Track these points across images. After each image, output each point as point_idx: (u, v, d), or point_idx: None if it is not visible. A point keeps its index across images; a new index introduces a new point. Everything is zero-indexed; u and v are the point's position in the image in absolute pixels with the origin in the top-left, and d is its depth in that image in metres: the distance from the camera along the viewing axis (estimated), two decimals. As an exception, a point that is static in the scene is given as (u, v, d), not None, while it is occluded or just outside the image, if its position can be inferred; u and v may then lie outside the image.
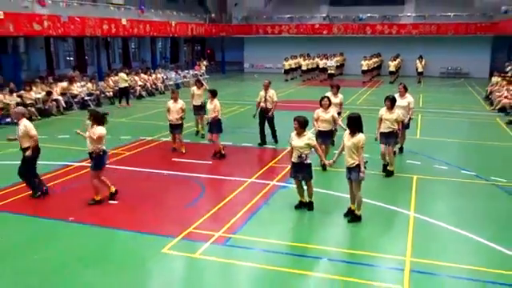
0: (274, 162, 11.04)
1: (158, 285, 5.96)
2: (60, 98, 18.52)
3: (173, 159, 11.34)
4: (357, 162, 7.39)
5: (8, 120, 15.94)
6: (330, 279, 5.93)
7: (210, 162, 11.00)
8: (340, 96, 12.01)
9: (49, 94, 18.02)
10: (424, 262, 6.23)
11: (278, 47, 35.05)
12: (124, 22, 24.28)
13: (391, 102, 9.78)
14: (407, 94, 11.20)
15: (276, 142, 12.74)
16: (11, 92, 16.64)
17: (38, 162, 8.82)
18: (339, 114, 11.54)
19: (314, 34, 35.01)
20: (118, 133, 14.00)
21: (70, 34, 21.28)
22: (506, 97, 18.39)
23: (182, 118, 11.71)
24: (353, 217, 7.60)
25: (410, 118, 11.43)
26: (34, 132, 8.50)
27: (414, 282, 5.77)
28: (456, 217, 7.83)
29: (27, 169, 8.57)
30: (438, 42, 32.46)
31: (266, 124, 12.66)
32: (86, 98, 19.67)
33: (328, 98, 10.23)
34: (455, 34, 32.07)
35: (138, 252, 6.66)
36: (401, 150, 11.66)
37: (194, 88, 13.90)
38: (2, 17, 16.73)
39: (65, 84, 19.67)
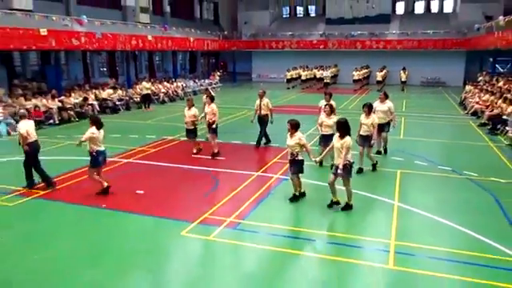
0: (277, 158, 11.02)
1: (178, 262, 5.97)
2: (95, 102, 18.62)
3: (191, 155, 11.35)
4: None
5: (51, 121, 16.05)
6: (324, 259, 5.92)
7: (223, 158, 10.98)
8: (332, 102, 11.39)
9: (85, 99, 18.12)
10: (406, 245, 6.21)
11: (281, 60, 34.99)
12: (150, 38, 24.33)
13: (368, 109, 9.56)
14: (387, 101, 10.87)
15: (258, 145, 12.21)
16: (53, 97, 16.72)
17: (78, 158, 8.83)
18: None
19: (312, 48, 34.86)
20: (144, 133, 14.07)
21: (103, 48, 21.36)
22: (477, 102, 18.25)
23: (194, 124, 11.21)
24: (346, 206, 7.57)
25: (390, 121, 11.00)
26: (21, 131, 8.25)
27: (398, 261, 5.75)
28: (434, 206, 7.77)
29: (27, 161, 8.45)
30: (419, 56, 32.23)
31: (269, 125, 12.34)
32: (117, 102, 19.74)
33: (331, 105, 9.72)
34: (434, 48, 31.85)
35: (161, 234, 6.68)
36: (385, 151, 11.32)
37: (204, 97, 13.35)
38: (46, 33, 16.84)
39: (110, 91, 20.13)
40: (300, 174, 7.86)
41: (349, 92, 27.83)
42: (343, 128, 7.42)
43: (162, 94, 22.90)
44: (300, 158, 7.67)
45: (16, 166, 10.60)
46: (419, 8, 37.95)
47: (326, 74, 29.72)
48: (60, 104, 16.83)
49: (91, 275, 5.44)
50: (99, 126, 8.11)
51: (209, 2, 37.75)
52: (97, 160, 8.11)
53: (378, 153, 11.13)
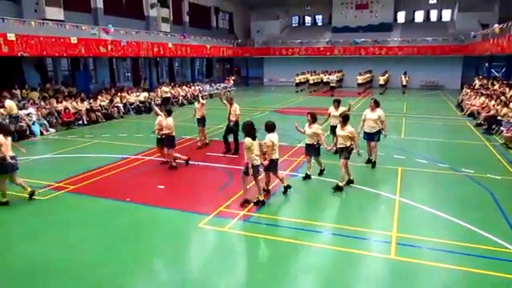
0: (287, 155, 10.96)
1: (196, 251, 5.98)
2: (120, 104, 18.76)
3: (206, 153, 11.36)
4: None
5: (80, 122, 16.22)
6: (330, 249, 5.87)
7: (236, 156, 10.97)
8: (342, 109, 10.42)
9: (111, 101, 18.27)
10: (407, 237, 6.13)
11: (290, 65, 34.86)
12: (170, 45, 24.43)
13: (343, 119, 8.18)
14: (378, 109, 9.69)
15: (237, 153, 10.97)
16: (82, 100, 16.90)
17: (105, 155, 8.88)
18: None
19: (319, 54, 34.64)
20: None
21: (128, 55, 21.50)
22: (473, 105, 17.96)
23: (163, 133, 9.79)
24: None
25: (380, 130, 9.68)
26: None
27: (399, 252, 5.68)
28: (434, 200, 7.67)
29: None
30: (419, 61, 31.85)
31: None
32: (140, 104, 19.87)
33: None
34: (433, 54, 31.39)
35: (180, 226, 6.70)
36: (373, 164, 9.84)
37: (196, 103, 12.32)
38: (76, 42, 17.02)
39: (146, 94, 20.52)
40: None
41: (353, 95, 27.61)
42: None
43: (181, 97, 23.00)
44: (273, 157, 7.60)
45: (48, 163, 10.77)
46: (419, 17, 37.44)
47: (332, 78, 29.53)
48: (89, 106, 17.01)
49: (116, 262, 5.49)
50: (6, 133, 7.53)
51: (224, 12, 37.75)
52: (3, 167, 7.35)
53: (369, 161, 9.97)
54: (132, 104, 19.58)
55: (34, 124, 14.12)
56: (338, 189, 8.07)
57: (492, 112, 15.09)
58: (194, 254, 5.92)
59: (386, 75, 30.76)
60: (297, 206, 7.64)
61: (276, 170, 7.89)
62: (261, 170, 7.48)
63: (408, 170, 9.67)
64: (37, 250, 5.84)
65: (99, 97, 18.15)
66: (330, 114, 10.68)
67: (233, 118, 10.96)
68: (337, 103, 10.58)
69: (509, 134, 11.85)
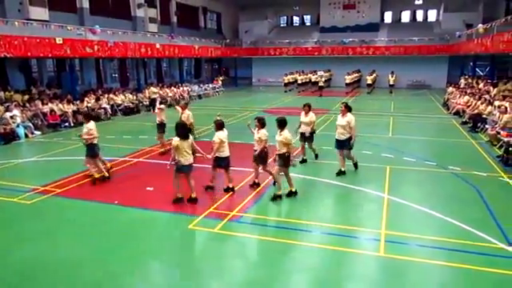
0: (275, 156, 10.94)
1: (186, 253, 5.95)
2: (107, 106, 18.57)
3: (196, 154, 11.27)
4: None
5: (67, 124, 16.01)
6: (320, 248, 5.90)
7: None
8: (312, 115, 9.80)
9: (97, 100, 18.12)
10: (396, 234, 6.19)
11: (279, 65, 34.95)
12: (158, 46, 24.27)
13: (278, 124, 7.62)
14: (348, 114, 8.88)
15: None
16: (68, 102, 16.69)
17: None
18: (312, 133, 9.92)
19: (307, 54, 34.82)
20: (152, 134, 13.95)
21: (115, 55, 21.31)
22: (458, 103, 18.23)
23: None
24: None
25: (350, 138, 8.87)
26: None
27: (388, 249, 5.73)
28: (421, 198, 7.76)
29: None
30: (406, 61, 32.19)
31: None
32: (127, 105, 19.72)
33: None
34: (419, 54, 31.80)
35: (170, 228, 6.67)
36: (355, 165, 9.47)
37: (179, 108, 11.47)
38: (62, 42, 16.80)
39: (130, 95, 20.43)
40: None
41: (341, 94, 27.82)
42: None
43: (169, 98, 22.86)
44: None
45: (34, 167, 10.61)
46: (405, 17, 37.89)
47: (320, 73, 29.80)
48: (75, 108, 16.80)
49: (105, 266, 5.42)
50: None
51: (212, 12, 37.68)
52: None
53: (341, 173, 9.17)
54: (119, 105, 19.40)
55: (18, 126, 13.88)
56: (275, 198, 7.63)
57: (477, 111, 15.34)
58: (185, 256, 5.88)
59: (374, 75, 31.05)
60: (286, 205, 7.64)
61: (228, 167, 8.06)
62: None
63: (396, 168, 9.77)
64: (25, 254, 5.74)
65: (86, 98, 17.94)
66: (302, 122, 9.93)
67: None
68: (307, 107, 9.78)
69: (493, 132, 12.04)
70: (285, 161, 7.48)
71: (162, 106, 11.95)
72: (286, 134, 7.49)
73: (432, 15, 36.75)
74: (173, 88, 24.38)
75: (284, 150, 7.45)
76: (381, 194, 7.99)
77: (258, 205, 7.51)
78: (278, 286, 4.99)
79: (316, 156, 10.51)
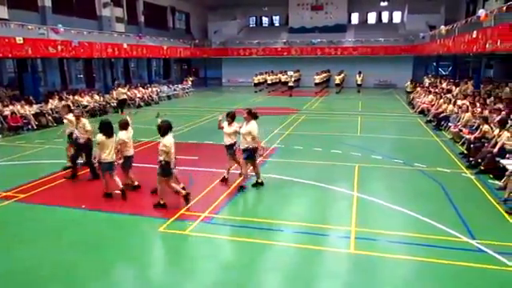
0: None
1: (157, 257, 5.84)
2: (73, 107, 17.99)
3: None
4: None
5: (29, 127, 15.39)
6: (292, 247, 5.94)
7: (196, 158, 10.85)
8: (236, 125, 8.37)
9: (60, 100, 17.56)
10: (366, 231, 6.32)
11: (248, 66, 34.95)
12: (125, 46, 23.76)
13: (159, 130, 7.18)
14: (252, 121, 7.96)
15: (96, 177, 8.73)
16: (30, 104, 16.05)
17: (57, 161, 8.55)
18: (251, 150, 8.05)
19: (276, 55, 35.03)
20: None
21: (80, 56, 20.71)
22: (423, 102, 18.84)
23: None
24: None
25: (255, 149, 7.94)
26: None
27: (358, 246, 5.84)
28: (389, 195, 7.95)
29: None
30: (373, 61, 32.94)
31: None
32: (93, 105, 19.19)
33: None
34: (385, 54, 32.63)
35: (139, 231, 6.52)
36: (258, 183, 8.43)
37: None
38: (22, 42, 16.14)
39: (97, 97, 19.86)
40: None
41: (311, 94, 28.18)
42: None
43: (137, 99, 22.43)
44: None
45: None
46: (371, 18, 38.87)
47: (290, 73, 30.09)
48: (38, 110, 16.17)
49: (71, 274, 5.24)
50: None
51: (181, 12, 37.27)
52: None
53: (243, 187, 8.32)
54: (86, 107, 18.83)
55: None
56: (241, 189, 8.12)
57: (440, 109, 15.91)
58: (155, 259, 5.78)
59: (342, 75, 31.62)
60: (257, 205, 7.66)
61: (130, 167, 8.14)
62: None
63: (364, 166, 9.98)
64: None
65: (50, 100, 17.31)
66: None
67: (83, 136, 8.89)
68: (230, 118, 8.36)
69: (456, 130, 12.53)
70: (161, 169, 7.15)
71: (77, 110, 9.80)
72: (250, 127, 7.82)
73: (397, 17, 37.86)
74: (141, 89, 23.94)
75: (233, 141, 7.96)
76: (350, 192, 8.13)
77: (230, 205, 7.48)
78: (250, 286, 4.98)
79: (240, 175, 8.72)
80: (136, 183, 8.30)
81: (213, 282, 5.10)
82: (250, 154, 8.04)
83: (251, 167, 8.34)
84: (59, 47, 18.31)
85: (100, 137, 7.43)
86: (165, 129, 7.05)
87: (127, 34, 26.02)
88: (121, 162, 7.91)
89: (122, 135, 7.79)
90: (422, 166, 9.81)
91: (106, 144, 7.46)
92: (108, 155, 7.52)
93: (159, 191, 7.30)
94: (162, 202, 7.26)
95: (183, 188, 7.75)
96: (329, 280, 5.13)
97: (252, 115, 8.12)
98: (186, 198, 7.37)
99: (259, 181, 8.40)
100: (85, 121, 9.07)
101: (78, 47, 19.49)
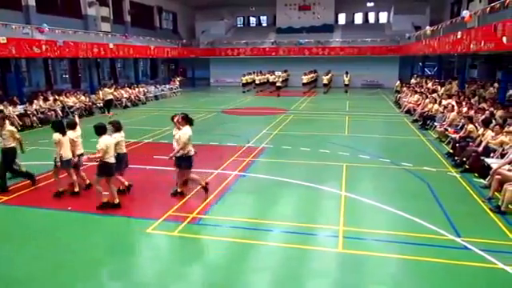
0: (235, 156, 10.96)
1: (145, 258, 5.79)
2: (58, 108, 17.74)
3: (154, 156, 11.06)
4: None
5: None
6: (280, 247, 5.95)
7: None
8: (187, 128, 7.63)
9: (45, 100, 17.32)
10: (353, 230, 6.36)
11: (236, 66, 34.91)
12: (111, 46, 23.52)
13: (96, 131, 7.13)
14: (186, 127, 7.50)
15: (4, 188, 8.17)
16: (14, 104, 15.77)
17: (42, 162, 8.46)
18: (182, 158, 7.59)
19: (264, 55, 35.05)
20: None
21: (65, 56, 20.40)
22: (409, 102, 19.07)
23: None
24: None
25: (182, 156, 7.47)
26: None
27: (346, 245, 5.88)
28: (377, 194, 8.02)
29: None
30: (360, 61, 33.16)
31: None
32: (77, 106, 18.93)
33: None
34: (372, 54, 32.92)
35: (127, 233, 6.47)
36: (180, 193, 7.89)
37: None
38: (5, 41, 15.84)
39: (83, 97, 19.65)
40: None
41: (299, 94, 28.28)
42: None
43: (124, 99, 22.20)
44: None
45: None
46: (358, 19, 39.23)
47: (278, 73, 30.17)
48: (22, 110, 15.90)
49: (56, 277, 5.16)
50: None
51: (168, 12, 37.06)
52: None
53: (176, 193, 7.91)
54: (71, 107, 18.59)
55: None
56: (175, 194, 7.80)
57: (426, 109, 16.13)
58: (143, 261, 5.72)
59: (329, 75, 31.82)
60: (245, 206, 7.65)
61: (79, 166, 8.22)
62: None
63: (352, 165, 10.05)
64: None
65: (34, 101, 17.03)
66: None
67: (10, 144, 8.17)
68: (183, 120, 7.67)
69: (441, 129, 12.71)
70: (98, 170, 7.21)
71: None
72: (183, 132, 7.41)
73: (383, 17, 38.28)
74: (128, 89, 23.70)
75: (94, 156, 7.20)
76: (338, 191, 8.18)
77: (218, 206, 7.45)
78: (239, 286, 4.97)
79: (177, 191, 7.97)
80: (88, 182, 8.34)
81: (201, 283, 5.09)
82: (182, 162, 7.51)
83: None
84: (44, 47, 18.02)
85: (57, 135, 7.61)
86: (97, 128, 7.17)
87: (113, 33, 25.74)
88: (76, 160, 8.03)
89: (71, 134, 7.91)
90: (409, 165, 9.93)
91: (62, 142, 7.68)
92: (66, 152, 7.74)
93: (96, 190, 7.37)
94: (115, 202, 7.29)
95: (127, 187, 8.04)
96: (317, 279, 5.16)
97: (187, 120, 7.64)
98: (123, 189, 7.85)
99: (178, 190, 7.88)
100: (11, 128, 8.38)
101: (63, 47, 19.22)
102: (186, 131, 7.45)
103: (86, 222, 6.84)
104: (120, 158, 7.69)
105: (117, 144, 7.50)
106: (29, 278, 5.12)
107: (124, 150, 7.93)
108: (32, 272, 5.24)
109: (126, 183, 8.15)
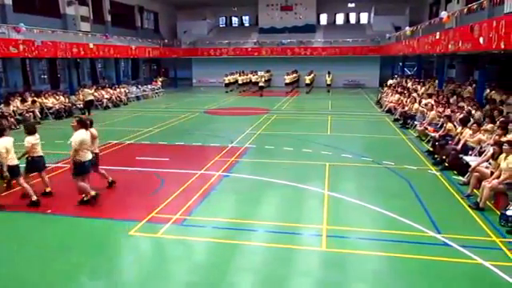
0: (218, 156, 10.93)
1: (127, 261, 5.71)
2: (36, 109, 17.35)
3: (136, 158, 10.93)
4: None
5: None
6: (265, 246, 5.95)
7: (167, 159, 10.71)
8: (93, 131, 7.85)
9: (23, 101, 16.92)
10: (337, 229, 6.41)
11: (219, 66, 34.84)
12: (91, 46, 23.14)
13: (26, 130, 7.39)
14: (80, 131, 7.18)
15: None
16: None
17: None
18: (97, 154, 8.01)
19: (247, 55, 35.06)
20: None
21: (43, 56, 19.96)
22: (390, 101, 19.37)
23: None
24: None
25: (74, 162, 7.14)
26: None
27: (330, 244, 5.93)
28: (359, 192, 8.11)
29: None
30: (341, 61, 33.47)
31: None
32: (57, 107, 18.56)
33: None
34: (353, 54, 33.28)
35: (109, 236, 6.36)
36: (94, 197, 7.40)
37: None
38: (-19, 41, 15.43)
39: (62, 98, 19.32)
40: None
41: (281, 94, 28.39)
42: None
43: (105, 100, 21.85)
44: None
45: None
46: (340, 19, 39.67)
47: (261, 73, 30.24)
48: (-1, 112, 15.51)
49: (38, 282, 5.05)
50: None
51: (149, 12, 36.68)
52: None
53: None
54: (50, 108, 18.21)
55: None
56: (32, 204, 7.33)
57: (406, 108, 16.41)
58: (125, 264, 5.64)
59: (312, 75, 32.05)
60: (229, 206, 7.63)
61: (42, 169, 8.09)
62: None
63: (335, 164, 10.14)
64: None
65: (11, 102, 16.61)
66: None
67: None
68: (78, 124, 7.35)
69: (421, 128, 12.95)
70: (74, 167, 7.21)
71: None
72: (74, 137, 7.15)
73: (364, 18, 38.79)
74: (109, 89, 23.36)
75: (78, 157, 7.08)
76: (321, 190, 8.24)
77: (202, 207, 7.42)
78: (223, 286, 4.95)
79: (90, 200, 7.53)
80: (49, 189, 7.97)
81: (185, 283, 5.05)
82: (74, 168, 7.23)
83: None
84: (21, 47, 17.61)
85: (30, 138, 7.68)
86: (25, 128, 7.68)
87: (93, 33, 25.34)
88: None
89: (31, 139, 7.70)
90: (390, 164, 10.07)
91: (33, 142, 7.73)
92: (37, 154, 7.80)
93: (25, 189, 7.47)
94: (33, 199, 7.40)
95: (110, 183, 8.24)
96: (301, 278, 5.18)
97: (81, 124, 7.35)
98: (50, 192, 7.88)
99: (47, 190, 7.89)
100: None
101: (40, 47, 18.82)
102: (77, 135, 7.14)
103: (66, 224, 6.70)
104: (36, 161, 7.81)
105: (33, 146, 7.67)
106: (9, 280, 4.98)
107: (41, 153, 7.94)
108: (12, 275, 5.11)
109: (110, 179, 8.28)
